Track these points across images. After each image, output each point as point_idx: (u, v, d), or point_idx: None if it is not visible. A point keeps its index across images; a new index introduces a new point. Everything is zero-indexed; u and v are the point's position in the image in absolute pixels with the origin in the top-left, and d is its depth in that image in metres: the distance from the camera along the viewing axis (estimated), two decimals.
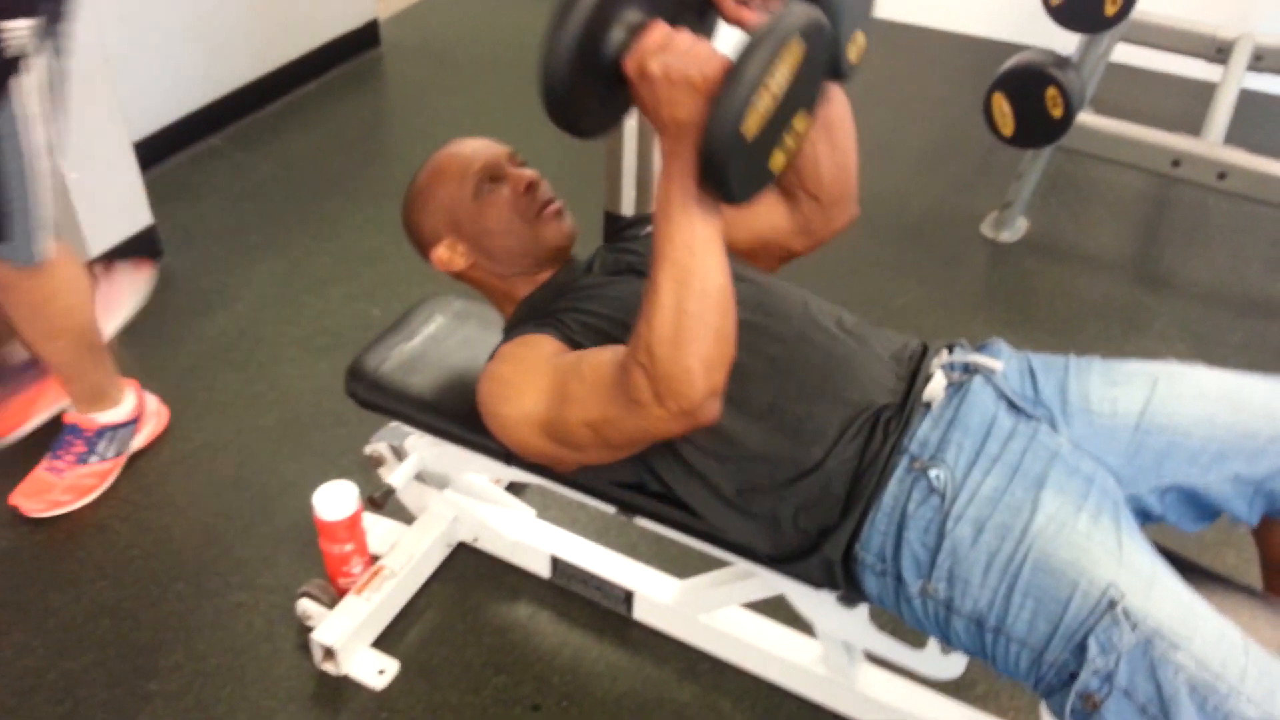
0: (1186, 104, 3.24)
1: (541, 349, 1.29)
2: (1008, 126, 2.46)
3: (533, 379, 1.24)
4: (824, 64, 1.07)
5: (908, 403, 1.26)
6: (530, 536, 1.84)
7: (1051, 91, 2.36)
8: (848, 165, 1.41)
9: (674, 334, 1.03)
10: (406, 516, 1.92)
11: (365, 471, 2.07)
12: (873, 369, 1.30)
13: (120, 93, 2.38)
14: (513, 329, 1.41)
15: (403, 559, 1.80)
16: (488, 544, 1.90)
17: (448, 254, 1.42)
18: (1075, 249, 2.78)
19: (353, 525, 1.74)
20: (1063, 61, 2.39)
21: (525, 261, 1.42)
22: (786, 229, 1.47)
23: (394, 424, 1.77)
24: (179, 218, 2.78)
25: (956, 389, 1.27)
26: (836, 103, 1.37)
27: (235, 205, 2.86)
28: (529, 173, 1.41)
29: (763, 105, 0.97)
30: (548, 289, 1.43)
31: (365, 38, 3.58)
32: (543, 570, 1.85)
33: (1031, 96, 2.39)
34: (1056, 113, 2.38)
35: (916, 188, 3.01)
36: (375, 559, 1.83)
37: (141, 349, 2.37)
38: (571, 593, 1.83)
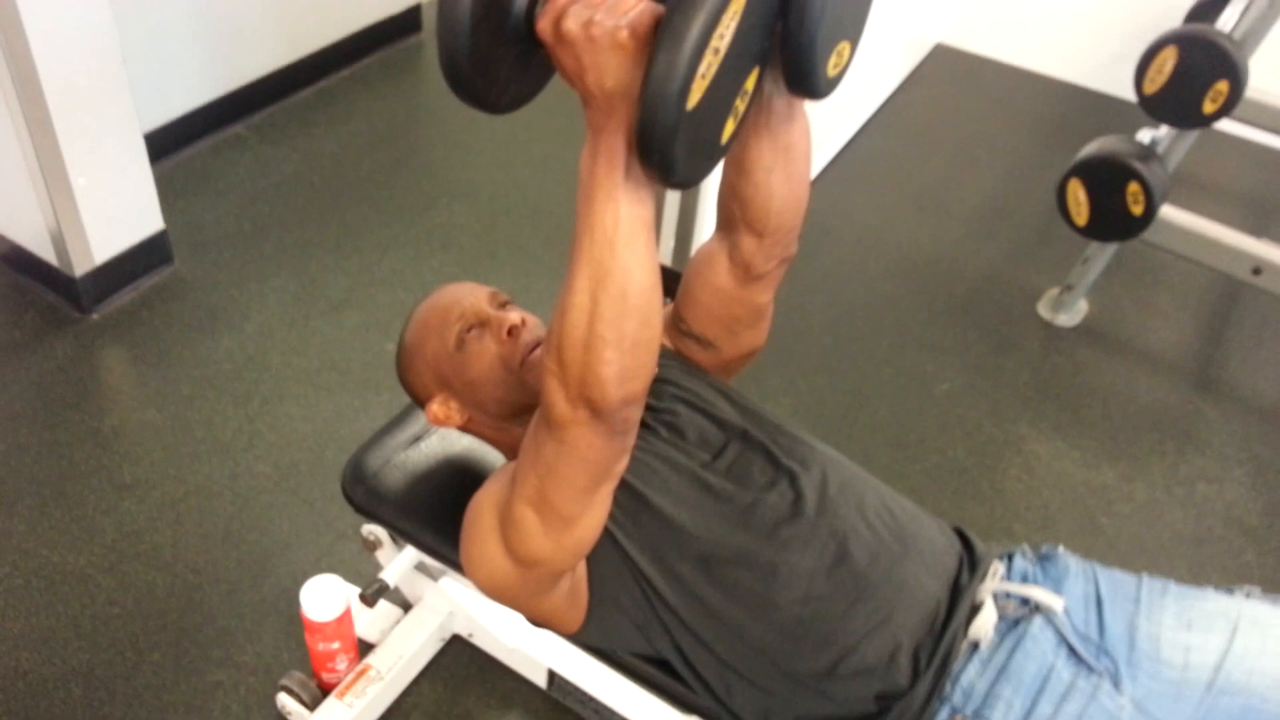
0: (1271, 177, 3.05)
1: (510, 467, 1.17)
2: (1081, 216, 2.29)
3: (492, 494, 1.12)
4: (774, 5, 0.89)
5: (946, 632, 1.13)
6: (527, 643, 1.73)
7: (1134, 187, 2.18)
8: (800, 199, 1.20)
9: (585, 338, 0.90)
10: (400, 596, 1.82)
11: (360, 538, 1.96)
12: (909, 581, 1.16)
13: (135, 83, 2.23)
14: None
15: (391, 659, 1.70)
16: (483, 642, 1.79)
17: (442, 410, 1.30)
18: (1135, 341, 2.61)
19: (340, 624, 1.64)
20: (1147, 154, 2.21)
21: (519, 412, 1.29)
22: (727, 280, 1.26)
23: None
24: (193, 215, 2.65)
25: (1011, 625, 1.13)
26: (799, 124, 1.14)
27: (252, 206, 2.72)
28: (512, 316, 1.26)
29: (707, 69, 0.79)
30: None
31: (407, 22, 3.40)
32: (539, 680, 1.74)
33: (1111, 189, 2.21)
34: (1136, 210, 2.20)
35: (971, 252, 2.84)
36: (364, 647, 1.73)
37: (145, 369, 2.26)
38: (568, 709, 1.73)
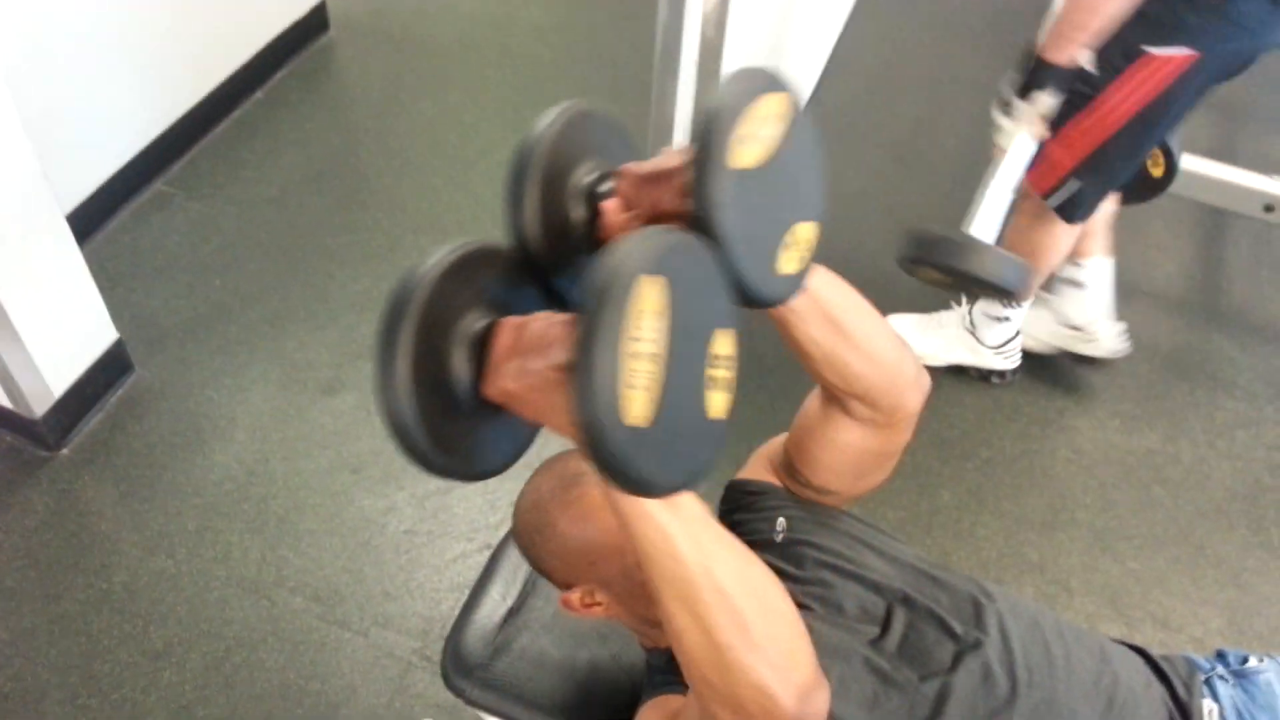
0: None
1: (667, 707, 1.09)
2: None
3: None
4: (715, 274, 0.79)
5: None
6: None
7: (1153, 151, 2.10)
8: (884, 353, 1.05)
9: (715, 658, 0.79)
10: None
11: (432, 663, 1.84)
12: None
13: (50, 175, 1.93)
14: (654, 683, 1.19)
15: None
16: None
17: (582, 601, 1.17)
18: (1142, 282, 2.58)
19: None
20: None
21: None
22: (853, 436, 1.12)
23: None
24: (138, 306, 2.38)
25: None
26: (825, 291, 0.98)
27: (202, 281, 2.45)
28: None
29: (643, 378, 0.70)
30: None
31: (313, 24, 3.06)
32: None
33: None
34: (1157, 172, 2.12)
35: (961, 205, 2.73)
36: None
37: (139, 505, 2.04)
38: None
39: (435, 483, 2.09)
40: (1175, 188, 2.29)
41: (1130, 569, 2.03)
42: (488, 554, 1.68)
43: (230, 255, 2.52)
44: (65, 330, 2.05)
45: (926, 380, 1.11)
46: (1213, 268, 2.63)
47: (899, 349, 1.06)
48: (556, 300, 0.88)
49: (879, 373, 1.05)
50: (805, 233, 0.89)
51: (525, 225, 0.86)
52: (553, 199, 0.88)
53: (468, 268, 0.80)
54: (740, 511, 1.25)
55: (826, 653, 1.08)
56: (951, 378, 2.33)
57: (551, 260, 0.88)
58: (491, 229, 2.60)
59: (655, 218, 0.87)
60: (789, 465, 1.22)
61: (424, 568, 1.96)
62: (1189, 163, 2.27)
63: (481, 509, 2.05)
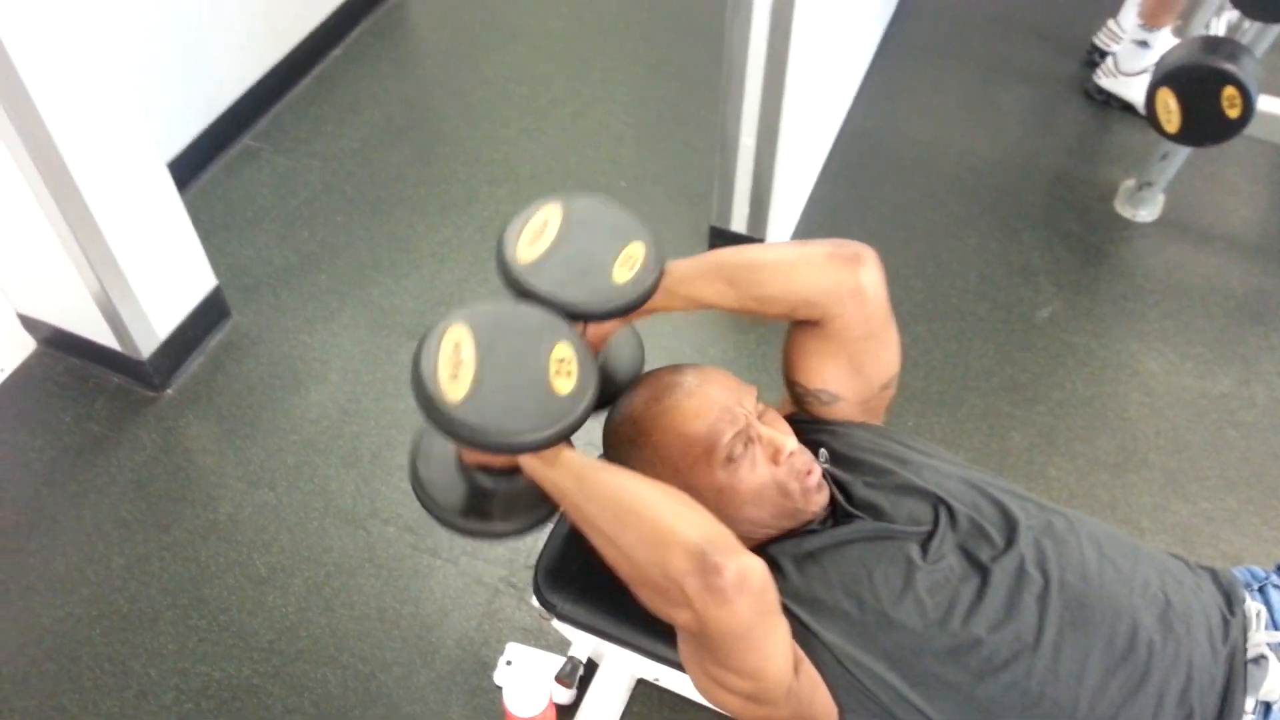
0: None
1: None
2: (1173, 124, 2.19)
3: (715, 680, 1.11)
4: (540, 315, 1.11)
5: (1232, 699, 1.10)
6: None
7: (1230, 91, 2.08)
8: (785, 273, 1.23)
9: (633, 572, 1.02)
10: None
11: (517, 589, 1.94)
12: (1197, 658, 1.12)
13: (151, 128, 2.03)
14: None
15: None
16: (670, 683, 1.79)
17: None
18: (1218, 226, 2.56)
19: (546, 712, 1.62)
20: (1237, 52, 2.10)
21: (766, 530, 1.24)
22: (834, 330, 1.26)
23: None
24: (233, 255, 2.49)
25: None
26: (690, 266, 1.23)
27: (291, 232, 2.55)
28: (781, 438, 1.18)
29: (455, 370, 1.01)
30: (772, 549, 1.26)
31: None
32: None
33: (1206, 95, 2.11)
34: (1233, 113, 2.11)
35: (1030, 155, 2.73)
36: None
37: (241, 442, 2.16)
38: None
39: None
40: (1251, 129, 2.28)
41: (1202, 509, 2.05)
42: None
43: (317, 207, 2.61)
44: (169, 276, 2.16)
45: (850, 251, 1.25)
46: None
47: (798, 254, 1.23)
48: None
49: (791, 285, 1.21)
50: (633, 250, 1.18)
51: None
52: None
53: None
54: None
55: (873, 557, 1.15)
56: (1020, 321, 2.35)
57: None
58: (564, 178, 2.69)
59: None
60: (794, 390, 1.31)
61: None
62: (1266, 104, 2.26)
63: None
